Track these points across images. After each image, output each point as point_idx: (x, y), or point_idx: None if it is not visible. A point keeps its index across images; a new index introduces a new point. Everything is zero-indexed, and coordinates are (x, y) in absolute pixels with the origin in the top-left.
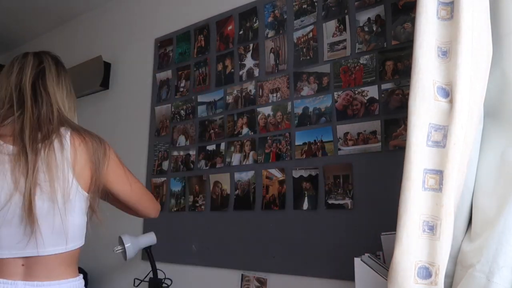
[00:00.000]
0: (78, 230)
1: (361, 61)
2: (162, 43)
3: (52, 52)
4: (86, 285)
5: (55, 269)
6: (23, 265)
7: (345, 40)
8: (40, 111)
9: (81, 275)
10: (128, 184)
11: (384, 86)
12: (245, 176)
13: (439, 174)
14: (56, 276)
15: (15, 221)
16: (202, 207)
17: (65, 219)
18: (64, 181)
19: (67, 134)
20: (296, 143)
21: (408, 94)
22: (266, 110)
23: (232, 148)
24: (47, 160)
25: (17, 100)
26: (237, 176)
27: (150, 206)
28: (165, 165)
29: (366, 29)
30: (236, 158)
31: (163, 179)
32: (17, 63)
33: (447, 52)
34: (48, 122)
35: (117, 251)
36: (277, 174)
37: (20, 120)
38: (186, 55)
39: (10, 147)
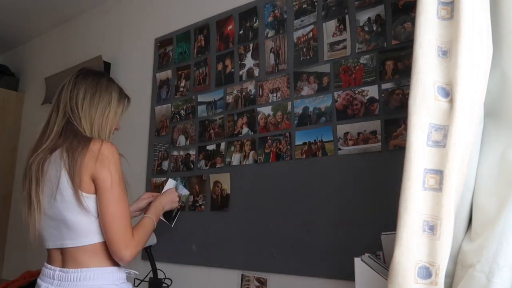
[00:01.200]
0: (84, 227)
1: (361, 61)
2: (162, 43)
3: (89, 68)
4: None
5: (79, 259)
6: (60, 253)
7: (345, 40)
8: (48, 127)
9: (113, 267)
10: (102, 202)
11: (384, 86)
12: None
13: (439, 174)
14: (80, 265)
15: None
16: (202, 207)
17: (66, 217)
18: (56, 183)
19: (68, 145)
20: (296, 143)
21: (408, 94)
22: (266, 110)
23: (232, 148)
24: (50, 171)
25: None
26: None
27: (112, 245)
28: (165, 165)
29: (366, 28)
30: (236, 158)
31: (163, 179)
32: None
33: (447, 52)
34: (51, 135)
35: None
36: None
37: (38, 136)
38: (186, 55)
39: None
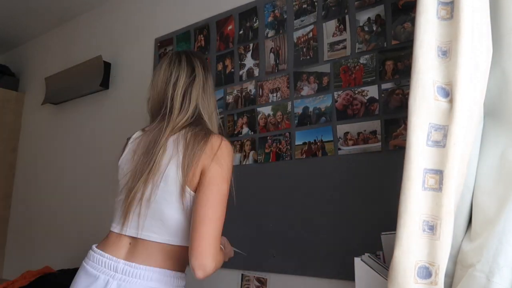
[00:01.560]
0: (176, 225)
1: (361, 61)
2: (162, 43)
3: (200, 55)
4: None
5: (154, 256)
6: (130, 243)
7: (345, 40)
8: (181, 119)
9: (181, 273)
10: (205, 194)
11: (384, 85)
12: None
13: (439, 173)
14: (152, 263)
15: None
16: None
17: (161, 209)
18: (164, 176)
19: (188, 133)
20: (296, 143)
21: (408, 93)
22: (266, 110)
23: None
24: (160, 159)
25: (169, 106)
26: None
27: (198, 246)
28: None
29: (366, 28)
30: (236, 158)
31: None
32: (174, 69)
33: (447, 52)
34: (179, 124)
35: None
36: None
37: (162, 124)
38: None
39: (146, 142)
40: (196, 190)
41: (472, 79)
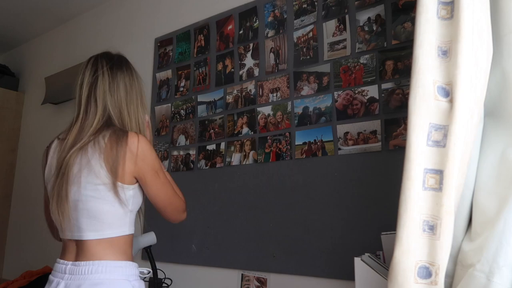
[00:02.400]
0: (112, 218)
1: (361, 61)
2: (162, 43)
3: (111, 52)
4: None
5: (95, 252)
6: (76, 245)
7: (345, 39)
8: (86, 121)
9: (127, 262)
10: (153, 189)
11: (384, 85)
12: None
13: (439, 173)
14: (95, 258)
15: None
16: None
17: (96, 207)
18: (94, 175)
19: (105, 136)
20: (296, 143)
21: (408, 93)
22: (266, 110)
23: (232, 148)
24: (81, 162)
25: (77, 111)
26: None
27: (173, 217)
28: (165, 164)
29: (366, 28)
30: (236, 158)
31: None
32: (81, 74)
33: (448, 52)
34: (89, 129)
35: None
36: None
37: (73, 129)
38: (186, 55)
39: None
40: (141, 185)
41: (472, 79)
